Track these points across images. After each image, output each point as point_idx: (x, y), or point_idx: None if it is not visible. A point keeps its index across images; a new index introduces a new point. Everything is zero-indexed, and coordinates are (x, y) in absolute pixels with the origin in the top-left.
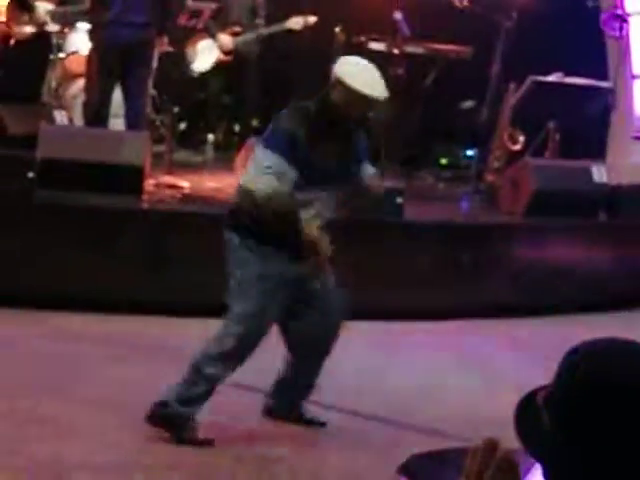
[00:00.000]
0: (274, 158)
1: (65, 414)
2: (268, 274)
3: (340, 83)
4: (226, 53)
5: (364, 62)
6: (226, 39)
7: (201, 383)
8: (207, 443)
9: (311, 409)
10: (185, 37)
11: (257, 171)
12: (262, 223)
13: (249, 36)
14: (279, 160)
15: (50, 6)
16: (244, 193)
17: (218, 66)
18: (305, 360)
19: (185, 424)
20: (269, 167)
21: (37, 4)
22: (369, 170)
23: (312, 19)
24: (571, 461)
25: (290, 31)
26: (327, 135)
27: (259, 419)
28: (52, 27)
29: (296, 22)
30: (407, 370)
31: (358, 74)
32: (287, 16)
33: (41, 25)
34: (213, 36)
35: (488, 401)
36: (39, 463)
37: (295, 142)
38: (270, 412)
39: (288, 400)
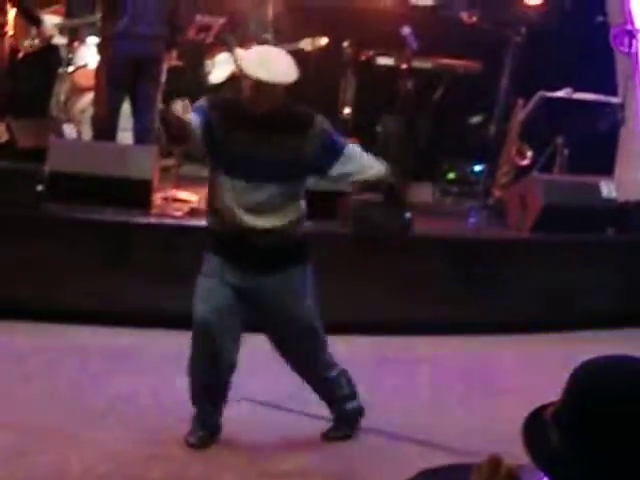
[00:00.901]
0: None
1: (68, 425)
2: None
3: (242, 72)
4: (239, 67)
5: (268, 49)
6: (242, 54)
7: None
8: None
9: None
10: (195, 51)
11: None
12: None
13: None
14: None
15: (58, 19)
16: None
17: (231, 80)
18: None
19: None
20: None
21: (44, 17)
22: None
23: (324, 41)
24: (580, 476)
25: (301, 51)
26: (241, 124)
27: (264, 433)
28: (60, 40)
29: (308, 43)
30: (413, 385)
31: (256, 61)
32: (298, 32)
33: (48, 39)
34: (230, 50)
35: (494, 417)
36: (41, 474)
37: (207, 117)
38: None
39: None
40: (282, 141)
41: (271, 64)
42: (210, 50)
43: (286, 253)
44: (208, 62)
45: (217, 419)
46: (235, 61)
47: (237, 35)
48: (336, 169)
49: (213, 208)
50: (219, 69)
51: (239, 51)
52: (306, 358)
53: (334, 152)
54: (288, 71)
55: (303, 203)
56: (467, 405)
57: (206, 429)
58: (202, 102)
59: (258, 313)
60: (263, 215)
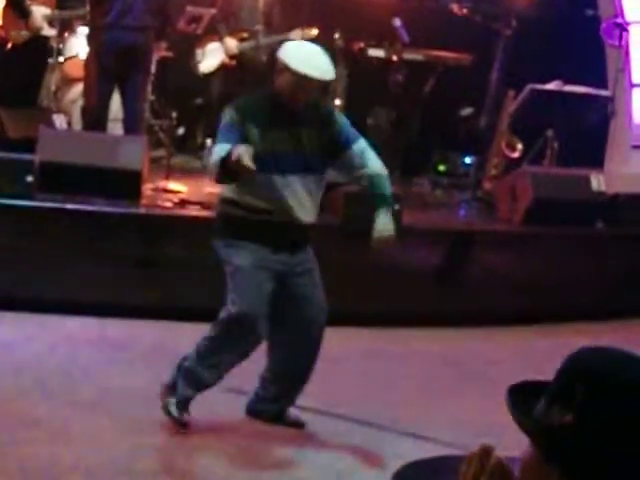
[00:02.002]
0: (216, 147)
1: (59, 417)
2: (244, 265)
3: (283, 67)
4: (231, 57)
5: (308, 45)
6: (232, 43)
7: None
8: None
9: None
10: (184, 42)
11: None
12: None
13: (253, 43)
14: (220, 146)
15: (47, 10)
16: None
17: (221, 70)
18: (284, 365)
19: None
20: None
21: (33, 8)
22: (360, 149)
23: (314, 32)
24: (594, 461)
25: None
26: (276, 121)
27: (253, 424)
28: (50, 31)
29: (298, 34)
30: (402, 377)
31: (299, 56)
32: (290, 23)
33: (37, 31)
34: (220, 39)
35: (484, 408)
36: (32, 466)
37: (233, 128)
38: (254, 413)
39: (274, 401)
40: (312, 136)
41: (315, 60)
42: (200, 39)
43: (308, 233)
44: (199, 51)
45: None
46: (226, 50)
47: (228, 25)
48: (352, 153)
49: (251, 202)
50: (209, 58)
51: (230, 41)
52: (315, 344)
53: (350, 138)
54: (330, 67)
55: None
56: (457, 397)
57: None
58: (231, 114)
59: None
60: (304, 207)
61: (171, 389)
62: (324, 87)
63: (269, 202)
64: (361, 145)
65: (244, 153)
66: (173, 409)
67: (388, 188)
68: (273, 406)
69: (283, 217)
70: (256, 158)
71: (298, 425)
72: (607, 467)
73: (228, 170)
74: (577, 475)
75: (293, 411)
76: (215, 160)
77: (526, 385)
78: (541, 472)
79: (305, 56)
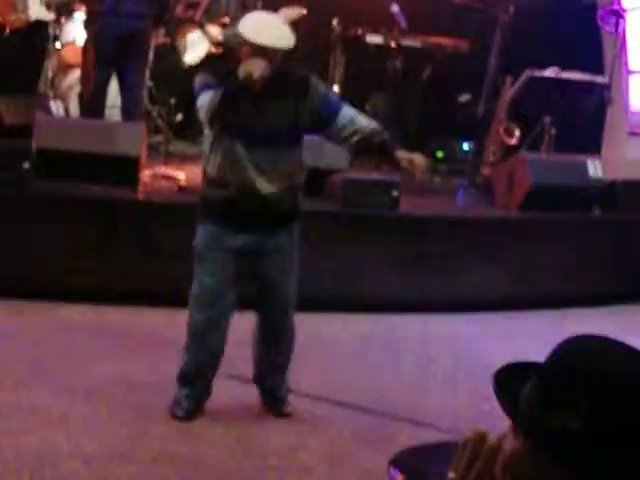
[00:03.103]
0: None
1: (56, 404)
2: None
3: (242, 40)
4: (215, 45)
5: (265, 15)
6: (214, 31)
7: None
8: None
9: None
10: (179, 29)
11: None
12: (205, 198)
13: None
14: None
15: None
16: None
17: (209, 58)
18: (263, 344)
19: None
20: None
21: None
22: (348, 115)
23: (302, 11)
24: (603, 462)
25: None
26: (241, 93)
27: (252, 411)
28: (48, 15)
29: (286, 15)
30: (401, 363)
31: (256, 28)
32: (277, 9)
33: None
34: (202, 27)
35: (481, 395)
36: (29, 454)
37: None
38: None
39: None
40: (281, 107)
41: (270, 30)
42: (180, 30)
43: (289, 212)
44: (180, 42)
45: (206, 395)
46: (209, 40)
47: (208, 12)
48: (339, 121)
49: (215, 176)
50: (192, 49)
51: (212, 29)
52: (285, 325)
53: (335, 107)
54: (287, 35)
55: (303, 163)
56: (454, 383)
57: (193, 403)
58: (206, 77)
59: (256, 274)
60: (273, 178)
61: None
62: (288, 55)
63: (231, 173)
64: (348, 112)
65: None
66: None
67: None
68: (260, 374)
69: (242, 189)
70: (227, 126)
71: (284, 415)
72: (623, 466)
73: (230, 95)
74: (592, 475)
75: (289, 405)
76: (213, 94)
77: (511, 369)
78: (534, 463)
79: (261, 27)
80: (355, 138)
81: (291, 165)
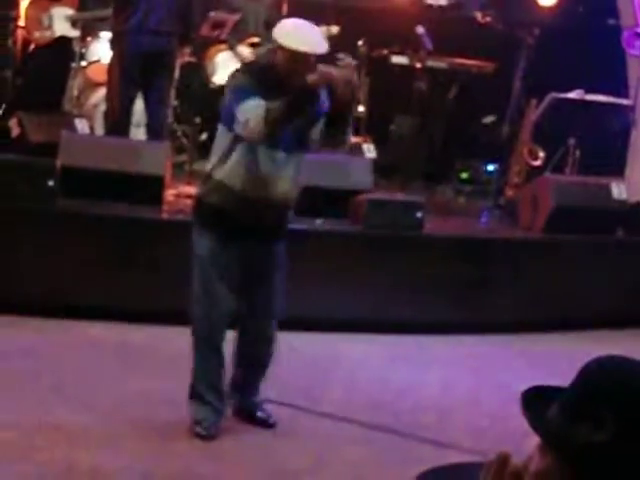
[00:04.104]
0: (249, 102)
1: (77, 422)
2: (202, 254)
3: (276, 45)
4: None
5: (299, 21)
6: (245, 51)
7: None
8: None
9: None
10: (205, 48)
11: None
12: (201, 204)
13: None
14: (253, 100)
15: (70, 11)
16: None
17: None
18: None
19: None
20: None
21: (56, 10)
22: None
23: (335, 29)
24: (629, 475)
25: None
26: (274, 96)
27: (275, 431)
28: (73, 33)
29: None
30: (424, 384)
31: (290, 33)
32: None
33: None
34: (232, 48)
35: (504, 416)
36: (50, 471)
37: (253, 87)
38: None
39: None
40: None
41: (306, 35)
42: (209, 50)
43: (286, 222)
44: (207, 63)
45: (222, 407)
46: (240, 60)
47: (237, 32)
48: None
49: (227, 180)
50: (223, 69)
51: (243, 49)
52: (272, 332)
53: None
54: (322, 41)
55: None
56: (476, 404)
57: (212, 418)
58: (245, 79)
59: (246, 279)
60: (280, 184)
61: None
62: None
63: (246, 178)
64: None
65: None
66: None
67: None
68: (235, 394)
69: (256, 192)
70: None
71: (267, 425)
72: None
73: (299, 104)
74: None
75: (266, 409)
76: (266, 104)
77: (539, 390)
78: None
79: (296, 32)
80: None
81: (299, 174)
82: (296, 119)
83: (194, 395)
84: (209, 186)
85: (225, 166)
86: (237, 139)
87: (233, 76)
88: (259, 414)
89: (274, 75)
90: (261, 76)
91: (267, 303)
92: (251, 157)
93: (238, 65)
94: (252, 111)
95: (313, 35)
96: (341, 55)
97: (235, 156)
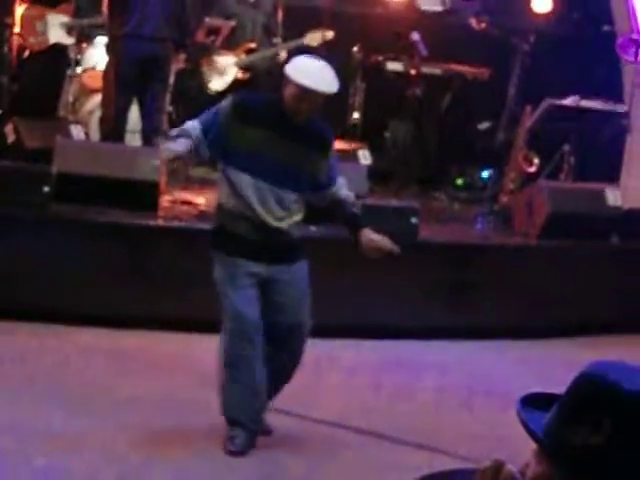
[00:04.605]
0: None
1: (73, 428)
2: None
3: (287, 79)
4: (244, 70)
5: (313, 59)
6: (243, 56)
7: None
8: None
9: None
10: (201, 54)
11: None
12: (219, 228)
13: (266, 53)
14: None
15: (65, 18)
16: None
17: (234, 84)
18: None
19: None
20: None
21: (51, 16)
22: (340, 184)
23: (330, 34)
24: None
25: (307, 47)
26: (277, 129)
27: (270, 437)
28: (68, 40)
29: (313, 38)
30: (418, 389)
31: (302, 69)
32: (303, 33)
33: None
34: (224, 53)
35: (498, 421)
36: (45, 477)
37: (217, 119)
38: None
39: None
40: (307, 154)
41: (318, 73)
42: (206, 56)
43: (293, 248)
44: (204, 69)
45: (259, 428)
46: (238, 64)
47: (233, 39)
48: (334, 188)
49: (227, 206)
50: (219, 76)
51: (240, 53)
52: (294, 355)
53: (335, 173)
54: (333, 81)
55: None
56: (471, 409)
57: (247, 439)
58: (227, 108)
59: (268, 301)
60: (271, 214)
61: None
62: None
63: (238, 199)
64: (341, 181)
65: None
66: None
67: None
68: None
69: (249, 214)
70: (234, 155)
71: (264, 432)
72: None
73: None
74: None
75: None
76: (179, 138)
77: (535, 397)
78: None
79: (308, 69)
80: (336, 207)
81: (297, 208)
82: None
83: (230, 421)
84: (218, 210)
85: (222, 191)
86: (223, 167)
87: (231, 97)
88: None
89: (277, 108)
90: (266, 105)
91: (289, 320)
92: (237, 181)
93: (234, 72)
94: (184, 129)
95: (325, 74)
96: None
97: (225, 183)
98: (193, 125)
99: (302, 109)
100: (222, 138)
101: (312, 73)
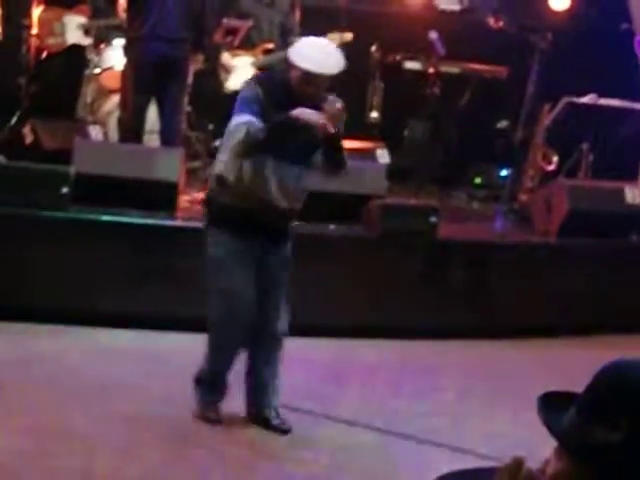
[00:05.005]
0: (243, 116)
1: (94, 429)
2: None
3: (292, 64)
4: (261, 71)
5: (316, 40)
6: (260, 56)
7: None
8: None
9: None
10: (219, 54)
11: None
12: (213, 204)
13: (282, 53)
14: (247, 116)
15: (82, 19)
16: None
17: None
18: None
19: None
20: (240, 124)
21: (68, 17)
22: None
23: (349, 36)
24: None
25: None
26: (285, 109)
27: (288, 438)
28: (85, 40)
29: (332, 39)
30: (437, 390)
31: (305, 53)
32: (322, 34)
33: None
34: (242, 53)
35: (518, 421)
36: (65, 478)
37: (259, 101)
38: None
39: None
40: (314, 131)
41: (321, 56)
42: (223, 56)
43: (289, 228)
44: (221, 69)
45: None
46: (253, 65)
47: (250, 39)
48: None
49: (237, 185)
50: (237, 75)
51: (258, 53)
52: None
53: None
54: (337, 61)
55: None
56: (491, 409)
57: (219, 399)
58: (257, 89)
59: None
60: (287, 195)
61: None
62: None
63: (254, 186)
64: None
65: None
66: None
67: None
68: (252, 399)
69: (263, 203)
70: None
71: (282, 431)
72: None
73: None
74: None
75: (280, 416)
76: (257, 127)
77: (555, 395)
78: None
79: (311, 52)
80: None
81: (304, 186)
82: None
83: (201, 380)
84: (221, 188)
85: (232, 171)
86: None
87: (247, 84)
88: (275, 422)
89: (288, 90)
90: (275, 89)
91: (278, 303)
92: (257, 166)
93: (251, 71)
94: (238, 127)
95: (328, 56)
96: (330, 97)
97: (242, 163)
98: (250, 119)
99: (308, 92)
100: (264, 120)
101: (314, 56)
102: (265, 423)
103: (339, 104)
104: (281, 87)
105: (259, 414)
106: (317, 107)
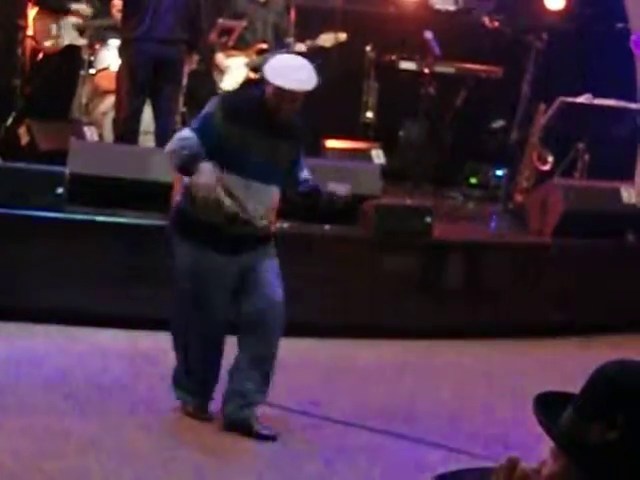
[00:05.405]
0: (185, 131)
1: (89, 430)
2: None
3: (265, 79)
4: (255, 71)
5: (289, 57)
6: (254, 57)
7: None
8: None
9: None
10: (213, 55)
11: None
12: (181, 214)
13: (276, 54)
14: (189, 132)
15: (78, 19)
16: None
17: (246, 84)
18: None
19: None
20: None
21: (63, 18)
22: (305, 174)
23: (343, 36)
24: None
25: (321, 48)
26: (259, 128)
27: (284, 438)
28: (81, 41)
29: (327, 39)
30: (435, 390)
31: (278, 69)
32: (317, 34)
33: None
34: (236, 53)
35: (516, 422)
36: (60, 478)
37: (209, 123)
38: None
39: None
40: (285, 148)
41: (293, 73)
42: (217, 56)
43: (261, 237)
44: (216, 69)
45: (213, 386)
46: (247, 65)
47: (244, 39)
48: (302, 174)
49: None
50: (231, 75)
51: (252, 54)
52: (272, 335)
53: (302, 161)
54: (310, 79)
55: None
56: (488, 409)
57: (202, 397)
58: (216, 108)
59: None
60: (257, 212)
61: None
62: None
63: (227, 198)
64: (304, 167)
65: (212, 187)
66: None
67: None
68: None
69: (231, 218)
70: (225, 155)
71: (268, 438)
72: None
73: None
74: None
75: (263, 423)
76: (178, 153)
77: (551, 395)
78: None
79: (283, 69)
80: (303, 190)
81: (274, 201)
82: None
83: (183, 373)
84: (191, 201)
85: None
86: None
87: (211, 101)
88: (258, 429)
89: (263, 105)
90: (248, 105)
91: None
92: (228, 182)
93: (245, 72)
94: (174, 142)
95: (300, 72)
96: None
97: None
98: (188, 134)
99: (282, 108)
100: (216, 141)
101: (287, 73)
102: (248, 432)
103: (347, 191)
104: (256, 103)
105: (239, 419)
106: (284, 126)
